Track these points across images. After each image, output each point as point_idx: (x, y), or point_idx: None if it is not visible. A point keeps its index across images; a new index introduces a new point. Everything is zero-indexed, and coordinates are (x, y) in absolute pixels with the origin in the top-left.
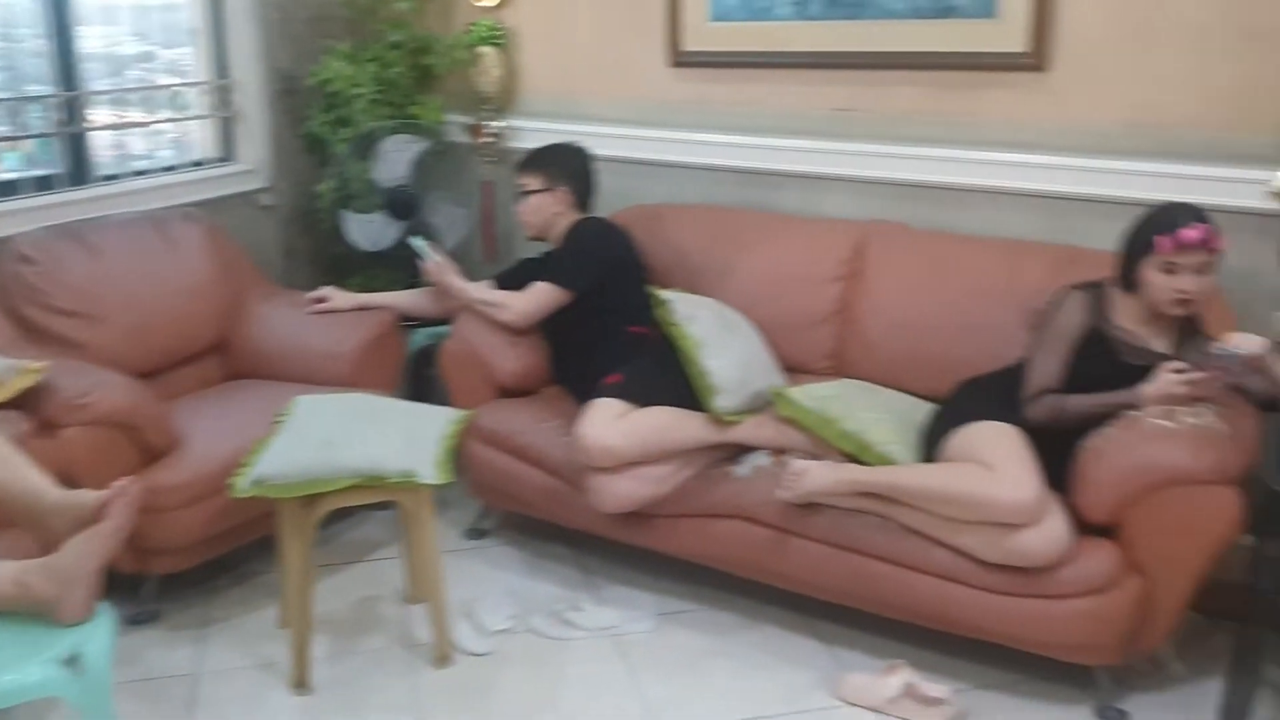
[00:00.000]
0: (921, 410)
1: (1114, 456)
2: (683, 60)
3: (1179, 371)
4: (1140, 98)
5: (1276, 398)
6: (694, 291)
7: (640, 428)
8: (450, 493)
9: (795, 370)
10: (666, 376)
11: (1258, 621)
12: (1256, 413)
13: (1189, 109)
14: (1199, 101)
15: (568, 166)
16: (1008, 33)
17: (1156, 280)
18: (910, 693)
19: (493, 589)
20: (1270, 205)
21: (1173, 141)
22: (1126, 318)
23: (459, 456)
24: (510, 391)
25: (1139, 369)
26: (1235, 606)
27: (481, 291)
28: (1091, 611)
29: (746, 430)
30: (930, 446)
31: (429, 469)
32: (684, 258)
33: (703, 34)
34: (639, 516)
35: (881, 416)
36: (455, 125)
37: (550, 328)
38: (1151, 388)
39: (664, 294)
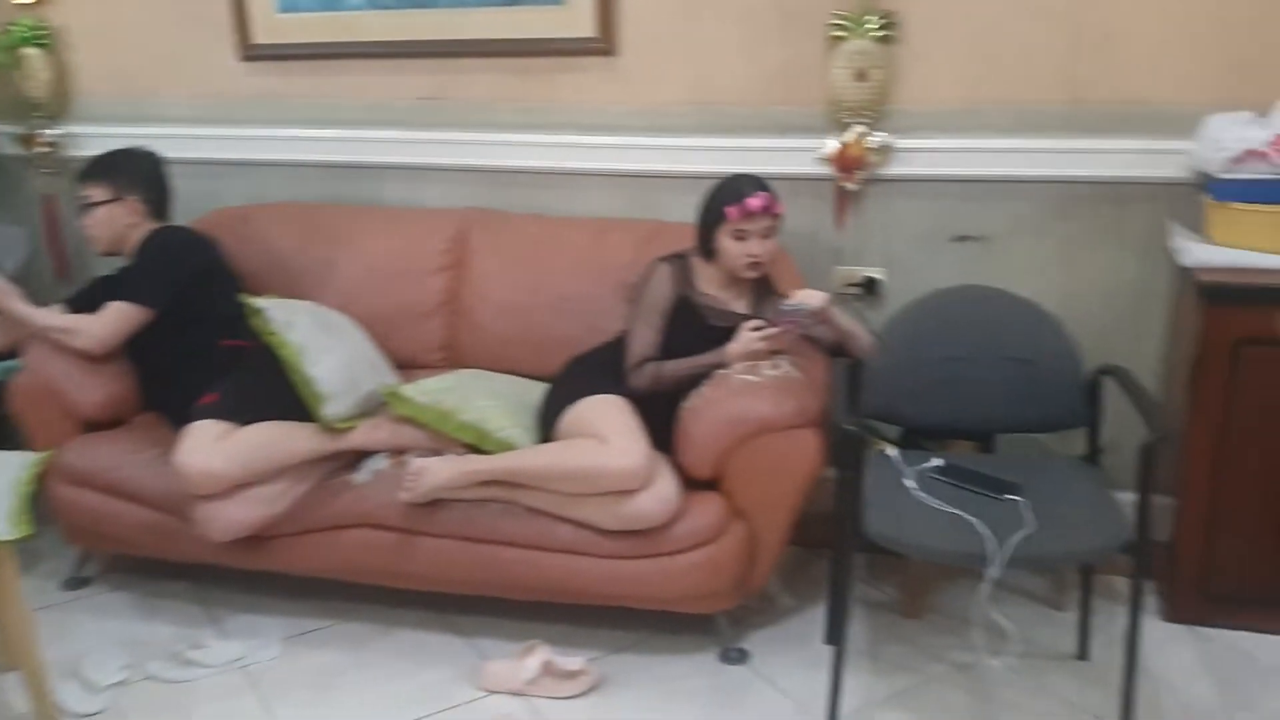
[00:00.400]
0: (536, 391)
1: (709, 414)
2: (253, 54)
3: (757, 329)
4: (698, 78)
5: (841, 344)
6: (294, 295)
7: (243, 447)
8: (41, 543)
9: (408, 366)
10: (270, 390)
11: (843, 546)
12: (826, 359)
13: (742, 86)
14: (750, 79)
15: (136, 173)
16: (576, 19)
17: (730, 247)
18: (548, 670)
19: (101, 640)
20: (821, 170)
21: (730, 117)
22: (709, 284)
23: (42, 503)
24: (97, 424)
25: (725, 330)
26: (827, 535)
27: (51, 317)
28: (705, 562)
29: (361, 435)
30: (546, 426)
31: (1, 523)
32: (279, 260)
33: (272, 26)
34: (256, 540)
35: (497, 403)
36: (3, 136)
37: (135, 350)
38: (735, 346)
39: (258, 302)
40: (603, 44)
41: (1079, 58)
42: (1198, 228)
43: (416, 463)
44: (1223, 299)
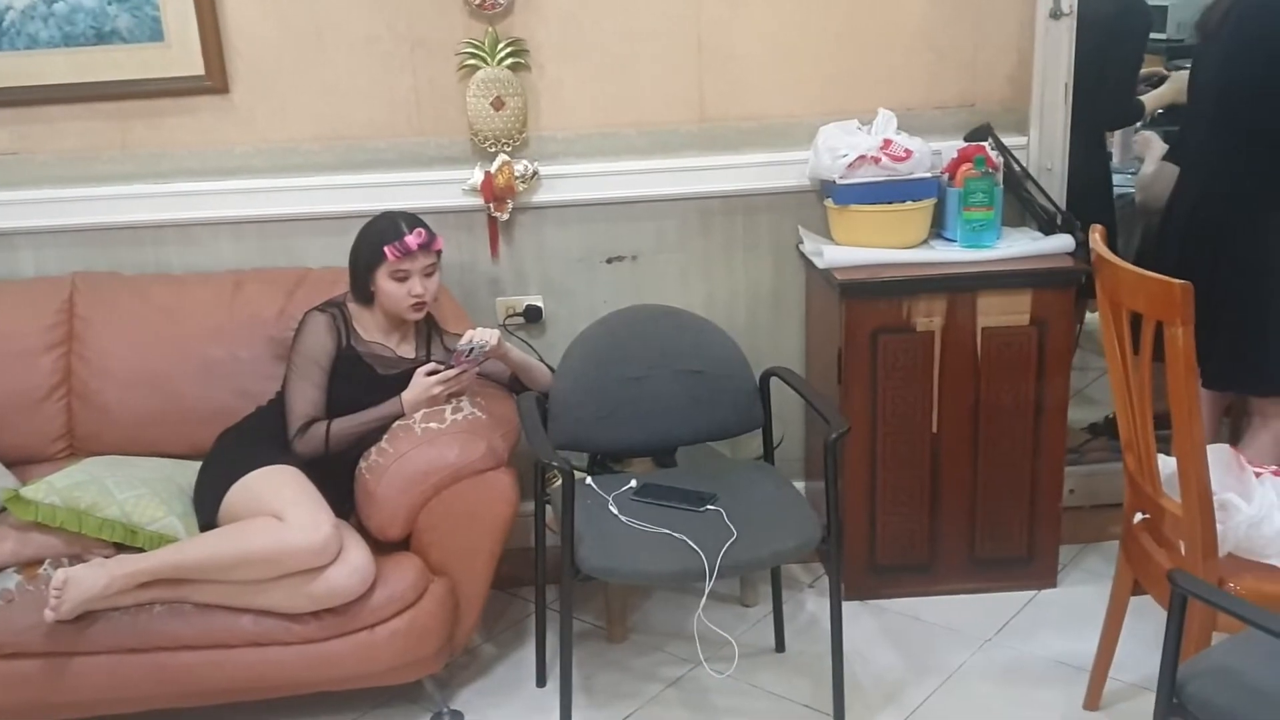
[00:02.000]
0: (188, 472)
1: (393, 469)
2: None
3: (432, 374)
4: (326, 112)
5: (519, 377)
6: None
7: None
8: None
9: (25, 462)
10: None
11: (553, 577)
12: (508, 395)
13: (376, 119)
14: (384, 111)
15: None
16: (181, 57)
17: (391, 289)
18: None
19: None
20: (471, 201)
21: (367, 152)
22: (372, 331)
23: None
24: None
25: (396, 378)
26: (521, 573)
27: None
28: (408, 628)
29: None
30: (207, 511)
31: None
32: None
33: None
34: None
35: (143, 492)
36: None
37: None
38: (411, 394)
39: None
40: (214, 83)
41: (704, 80)
42: (824, 231)
43: (59, 574)
44: (859, 294)
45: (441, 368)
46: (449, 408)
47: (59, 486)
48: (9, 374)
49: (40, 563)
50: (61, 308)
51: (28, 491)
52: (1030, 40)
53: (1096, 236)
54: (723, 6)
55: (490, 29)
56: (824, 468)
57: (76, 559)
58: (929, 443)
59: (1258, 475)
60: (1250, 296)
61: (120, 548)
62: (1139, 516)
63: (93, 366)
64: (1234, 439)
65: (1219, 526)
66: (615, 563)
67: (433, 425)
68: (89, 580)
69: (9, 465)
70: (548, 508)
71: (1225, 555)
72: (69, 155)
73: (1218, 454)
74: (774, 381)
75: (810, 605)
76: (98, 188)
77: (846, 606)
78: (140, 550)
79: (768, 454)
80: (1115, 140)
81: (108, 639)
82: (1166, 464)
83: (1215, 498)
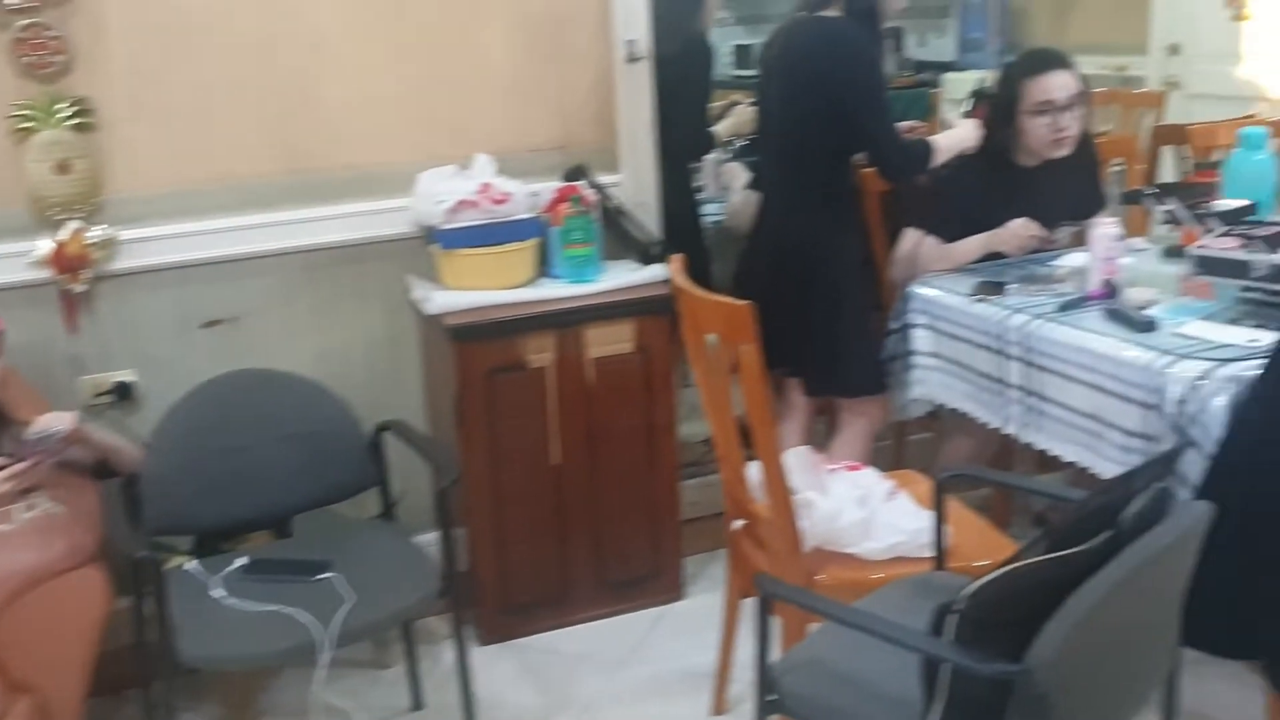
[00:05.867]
0: None
1: None
2: None
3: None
4: None
5: (105, 462)
6: None
7: None
8: None
9: None
10: None
11: (158, 673)
12: (93, 483)
13: None
14: None
15: None
16: None
17: None
18: None
19: None
20: (39, 275)
21: None
22: None
23: None
24: None
25: None
26: (133, 670)
27: None
28: None
29: None
30: None
31: None
32: None
33: None
34: None
35: None
36: None
37: None
38: None
39: None
40: None
41: (294, 130)
42: (433, 276)
43: None
44: (471, 337)
45: (9, 462)
46: (21, 505)
47: None
48: None
49: None
50: None
51: None
52: (612, 83)
53: (675, 267)
54: (302, 55)
55: (46, 89)
56: (439, 516)
57: None
58: (551, 475)
59: (832, 472)
60: (830, 310)
61: None
62: (738, 523)
63: None
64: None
65: (804, 524)
66: (219, 650)
67: (2, 528)
68: None
69: None
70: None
71: (812, 550)
72: None
73: (798, 456)
74: (398, 433)
75: (449, 656)
76: None
77: (486, 650)
78: None
79: (388, 511)
80: (706, 172)
81: None
82: (756, 471)
83: (797, 497)
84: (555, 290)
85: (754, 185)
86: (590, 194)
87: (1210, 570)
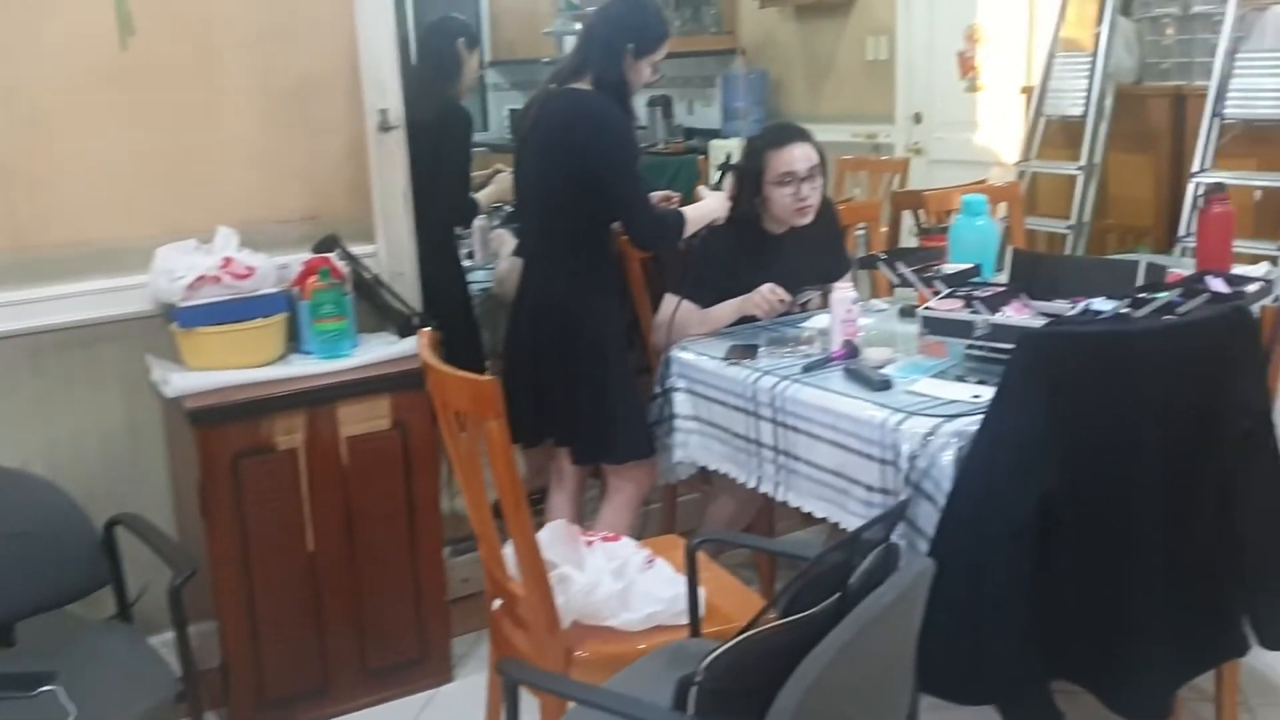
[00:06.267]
0: None
1: None
2: None
3: None
4: None
5: None
6: None
7: None
8: None
9: None
10: None
11: None
12: None
13: None
14: None
15: None
16: None
17: None
18: None
19: None
20: None
21: None
22: None
23: None
24: None
25: None
26: None
27: None
28: None
29: None
30: None
31: None
32: None
33: None
34: None
35: None
36: None
37: None
38: None
39: None
40: None
41: (17, 206)
42: (174, 356)
43: None
44: (213, 420)
45: None
46: None
47: None
48: None
49: None
50: None
51: None
52: (364, 152)
53: (423, 341)
54: (19, 130)
55: None
56: (173, 614)
57: None
58: (306, 561)
59: (590, 544)
60: (596, 376)
61: None
62: (497, 602)
63: None
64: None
65: (560, 599)
66: None
67: None
68: None
69: None
70: None
71: (571, 625)
72: None
73: (554, 530)
74: (129, 526)
75: None
76: None
77: None
78: None
79: (124, 611)
80: (475, 238)
81: None
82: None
83: (554, 572)
84: (305, 367)
85: (517, 252)
86: (342, 265)
87: (942, 618)
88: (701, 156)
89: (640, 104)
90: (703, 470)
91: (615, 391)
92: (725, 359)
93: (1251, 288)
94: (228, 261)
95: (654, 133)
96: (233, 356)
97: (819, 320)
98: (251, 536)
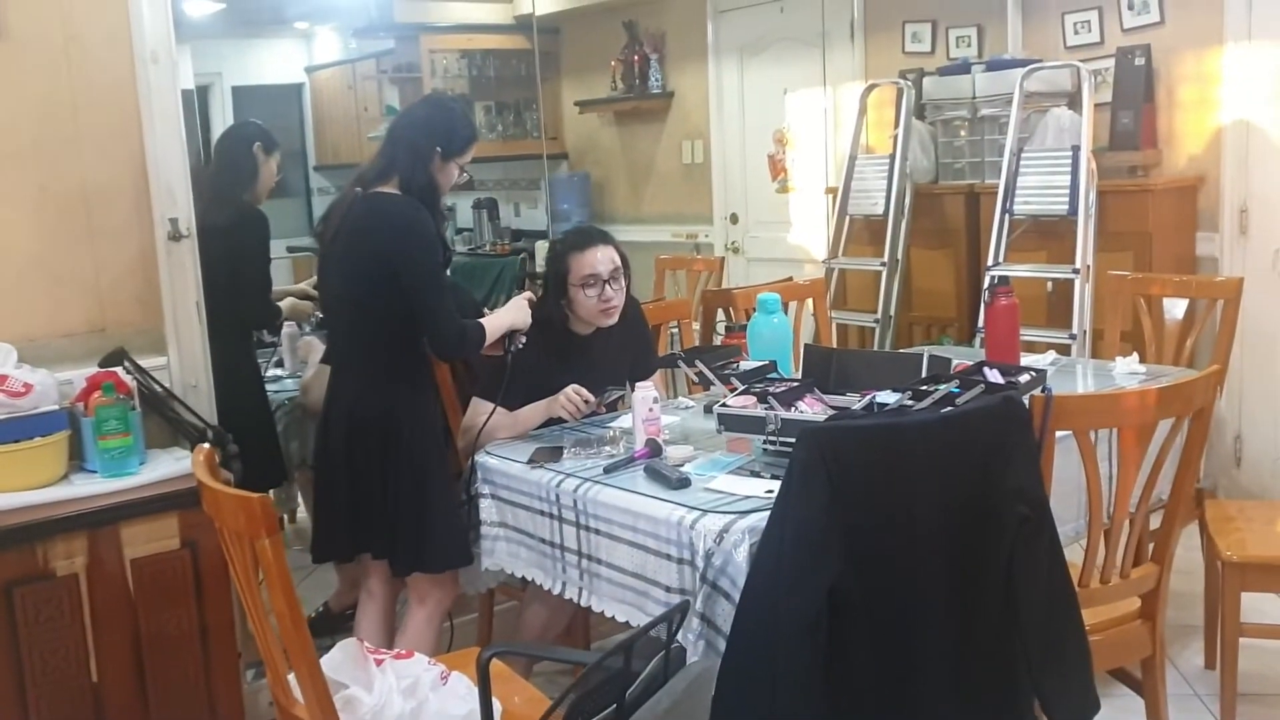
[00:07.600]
0: None
1: None
2: None
3: None
4: None
5: None
6: None
7: None
8: None
9: None
10: None
11: None
12: None
13: None
14: None
15: None
16: None
17: None
18: None
19: None
20: None
21: None
22: None
23: None
24: None
25: None
26: None
27: None
28: None
29: None
30: None
31: None
32: None
33: None
34: None
35: None
36: None
37: None
38: None
39: None
40: None
41: None
42: None
43: None
44: None
45: None
46: None
47: None
48: None
49: None
50: None
51: None
52: (154, 262)
53: (198, 458)
54: None
55: None
56: None
57: None
58: (90, 694)
59: (380, 663)
60: (415, 486)
61: None
62: None
63: None
64: None
65: None
66: None
67: None
68: None
69: None
70: None
71: None
72: None
73: (345, 649)
74: None
75: None
76: None
77: None
78: None
79: None
80: (284, 346)
81: None
82: None
83: (340, 694)
84: (87, 487)
85: (325, 359)
86: (129, 379)
87: (742, 713)
88: (524, 257)
89: (466, 207)
90: (521, 577)
91: (435, 501)
92: (529, 462)
93: (1024, 378)
94: (4, 379)
95: (480, 234)
96: (10, 478)
97: (624, 420)
98: (27, 670)
